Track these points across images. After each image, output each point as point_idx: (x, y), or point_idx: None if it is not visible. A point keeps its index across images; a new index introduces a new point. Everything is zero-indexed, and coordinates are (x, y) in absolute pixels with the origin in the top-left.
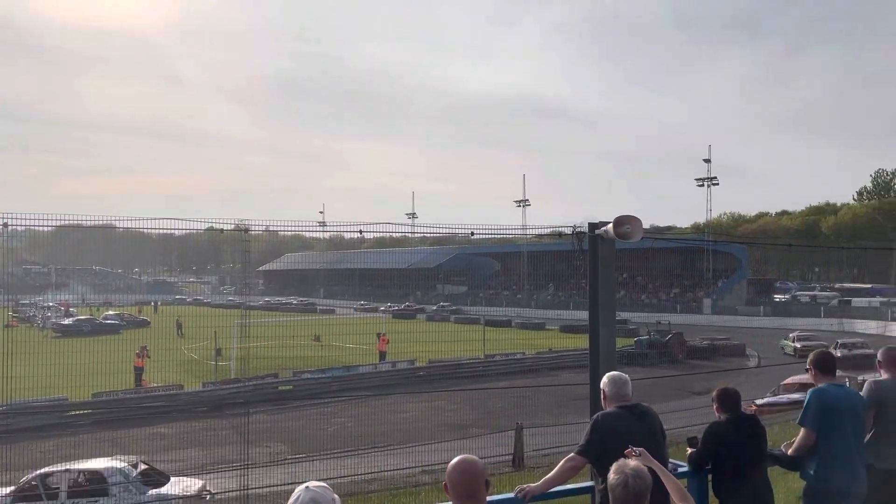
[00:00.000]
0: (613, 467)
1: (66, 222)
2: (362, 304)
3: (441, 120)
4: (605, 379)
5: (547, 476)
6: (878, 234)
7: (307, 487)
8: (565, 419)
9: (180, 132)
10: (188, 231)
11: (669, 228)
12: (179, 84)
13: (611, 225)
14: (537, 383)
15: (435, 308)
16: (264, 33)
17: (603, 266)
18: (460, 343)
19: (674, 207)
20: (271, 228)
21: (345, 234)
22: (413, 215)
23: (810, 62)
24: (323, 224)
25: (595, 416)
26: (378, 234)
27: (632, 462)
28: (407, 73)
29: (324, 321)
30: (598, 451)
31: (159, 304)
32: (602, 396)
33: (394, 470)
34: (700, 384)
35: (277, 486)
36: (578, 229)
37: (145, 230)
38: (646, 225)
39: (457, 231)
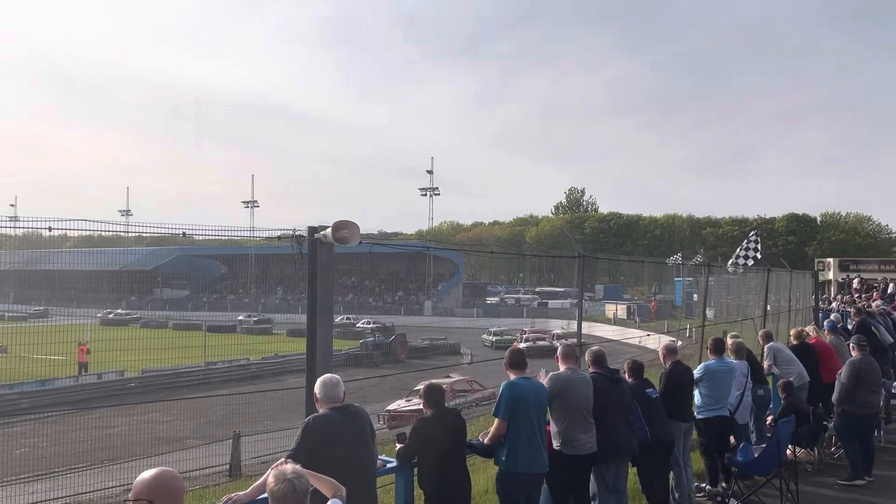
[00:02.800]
0: (272, 478)
1: None
2: (64, 310)
3: (161, 112)
4: (317, 382)
5: (256, 483)
6: (569, 244)
7: None
8: (288, 423)
9: None
10: None
11: (396, 234)
12: None
13: (330, 229)
14: (257, 389)
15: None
16: None
17: (322, 269)
18: (179, 350)
19: (404, 214)
20: None
21: (43, 231)
22: (127, 212)
23: (520, 87)
24: (15, 219)
25: (306, 420)
26: (85, 233)
27: (287, 467)
28: (120, 58)
29: (13, 329)
30: (309, 455)
31: None
32: (315, 399)
33: (94, 491)
34: (418, 382)
35: None
36: (298, 233)
37: None
38: (374, 230)
39: (170, 231)
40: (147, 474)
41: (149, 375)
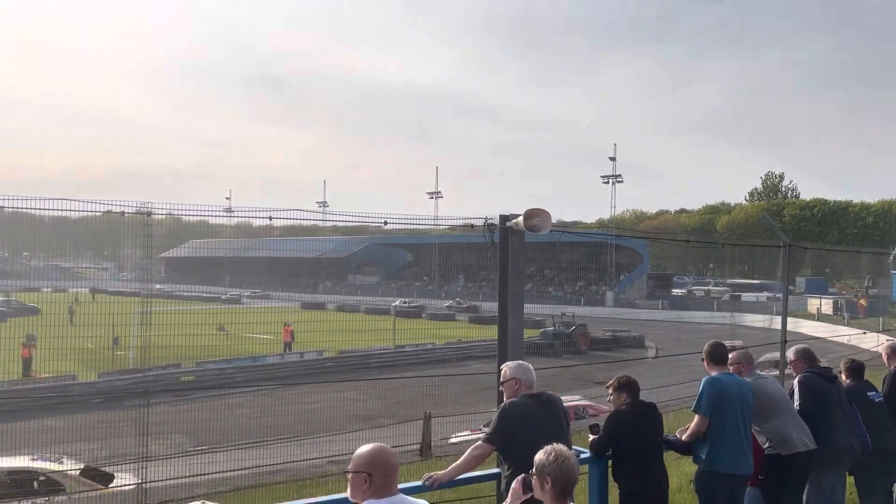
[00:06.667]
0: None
1: None
2: (268, 293)
3: (353, 108)
4: (513, 367)
5: (454, 464)
6: (767, 233)
7: None
8: (473, 408)
9: (72, 109)
10: (84, 214)
11: (575, 223)
12: (71, 59)
13: (521, 217)
14: (447, 373)
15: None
16: (161, 14)
17: (513, 257)
18: (371, 333)
19: (579, 203)
20: (174, 213)
21: (253, 220)
22: (324, 203)
23: (707, 68)
24: (230, 210)
25: (503, 405)
26: (288, 223)
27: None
28: (316, 58)
29: (229, 310)
30: (506, 439)
31: (51, 290)
32: (516, 384)
33: (300, 461)
34: (602, 374)
35: (177, 479)
36: (490, 221)
37: (36, 211)
38: (553, 220)
39: (370, 220)
40: (365, 449)
41: (345, 356)
